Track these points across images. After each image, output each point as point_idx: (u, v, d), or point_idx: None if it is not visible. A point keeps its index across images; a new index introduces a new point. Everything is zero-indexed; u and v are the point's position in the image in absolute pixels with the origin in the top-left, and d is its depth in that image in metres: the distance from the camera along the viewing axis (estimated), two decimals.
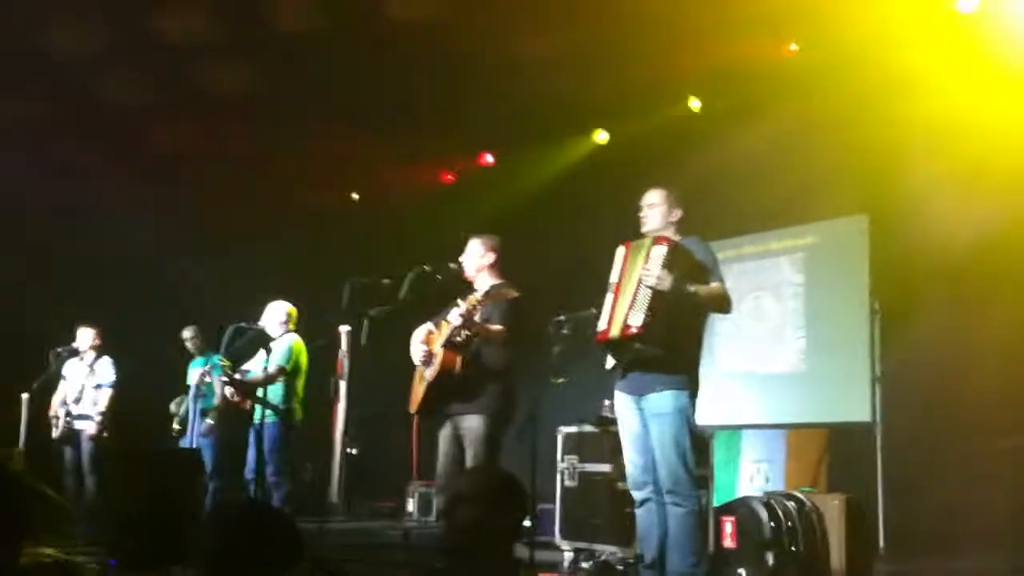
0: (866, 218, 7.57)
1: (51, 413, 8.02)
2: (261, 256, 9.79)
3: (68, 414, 7.85)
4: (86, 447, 7.82)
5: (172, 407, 8.06)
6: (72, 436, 7.87)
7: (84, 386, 7.95)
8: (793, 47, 7.62)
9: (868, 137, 7.22)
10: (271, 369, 6.79)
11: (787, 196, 7.72)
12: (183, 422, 7.94)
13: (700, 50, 7.34)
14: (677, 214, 4.86)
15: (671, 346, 4.53)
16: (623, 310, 4.58)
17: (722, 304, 4.71)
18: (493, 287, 5.00)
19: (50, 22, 7.53)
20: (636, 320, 4.48)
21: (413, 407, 5.31)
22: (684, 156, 7.73)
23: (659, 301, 4.46)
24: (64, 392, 8.02)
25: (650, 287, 4.46)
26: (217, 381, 7.61)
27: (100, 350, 8.14)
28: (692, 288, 4.55)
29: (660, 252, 4.55)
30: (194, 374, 7.98)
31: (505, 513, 2.75)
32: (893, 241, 7.30)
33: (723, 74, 7.81)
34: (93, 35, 7.67)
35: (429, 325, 5.40)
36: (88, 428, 7.88)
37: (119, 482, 6.27)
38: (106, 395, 7.95)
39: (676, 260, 4.55)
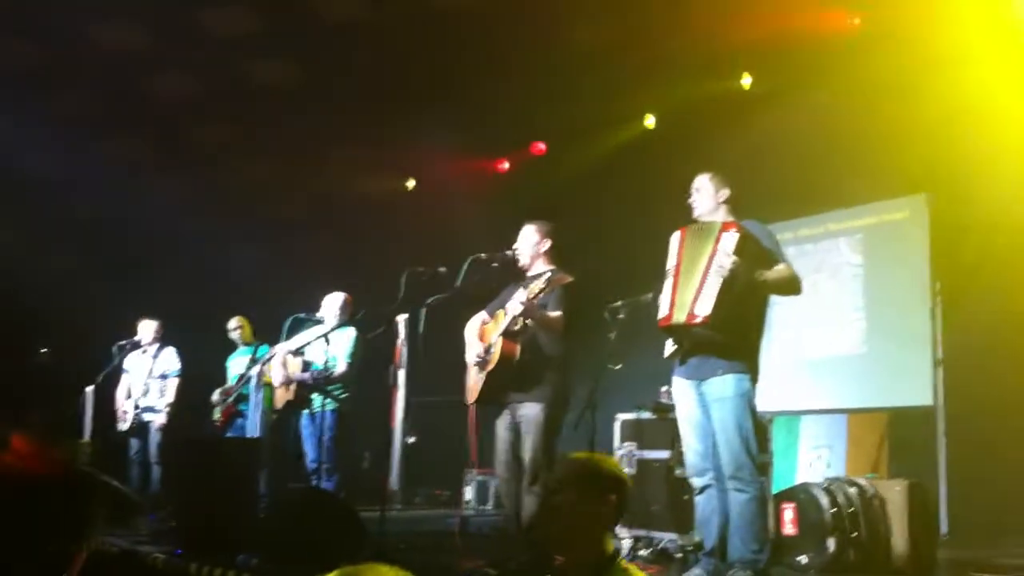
0: (925, 197, 7.44)
1: (117, 406, 8.14)
2: (317, 246, 9.87)
3: (136, 406, 7.98)
4: (154, 438, 7.94)
5: (213, 397, 8.15)
6: (140, 428, 7.99)
7: (150, 378, 8.07)
8: (856, 21, 7.42)
9: (928, 114, 7.06)
10: (341, 367, 6.89)
11: (845, 176, 7.61)
12: (228, 411, 8.05)
13: (755, 24, 7.21)
14: (724, 194, 4.82)
15: (734, 332, 4.49)
16: (687, 296, 4.54)
17: (792, 286, 4.66)
18: (552, 274, 4.97)
19: (103, 18, 7.65)
20: (703, 308, 4.44)
21: (471, 398, 5.32)
22: (738, 138, 7.64)
23: (728, 289, 4.41)
24: (128, 385, 8.14)
25: (723, 277, 4.41)
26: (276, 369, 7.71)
27: (162, 341, 8.26)
28: (762, 275, 4.51)
29: (731, 240, 4.49)
30: (237, 364, 8.07)
31: (611, 498, 2.71)
32: (954, 220, 7.17)
33: (777, 51, 7.67)
34: (144, 29, 7.78)
35: (483, 315, 5.41)
36: (156, 419, 8.00)
37: (184, 472, 6.38)
38: (173, 385, 8.08)
39: (746, 247, 4.50)
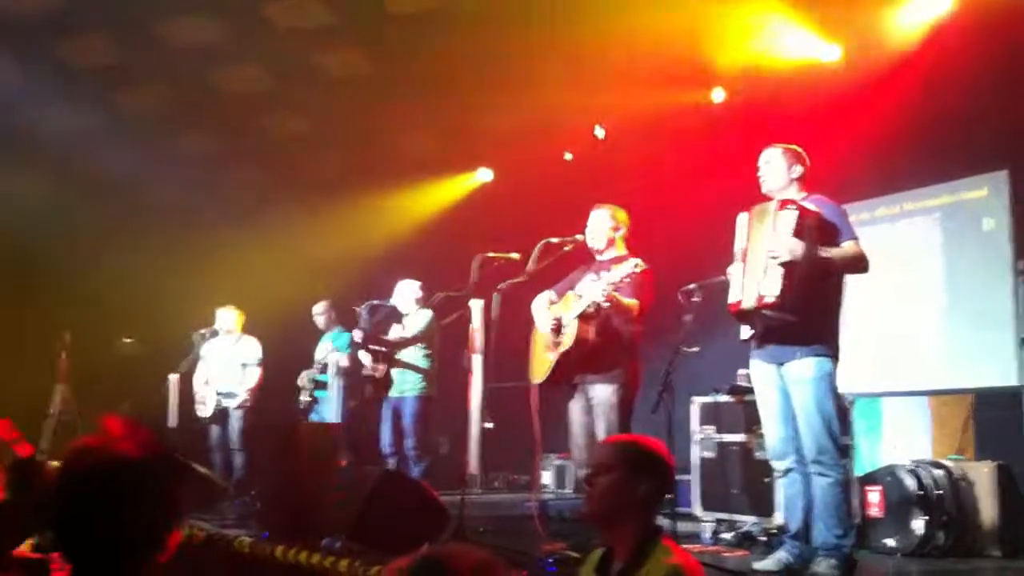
0: (1006, 173, 7.24)
1: (196, 393, 8.32)
2: (389, 234, 9.96)
3: (217, 392, 8.15)
4: (236, 424, 8.08)
5: (300, 381, 8.28)
6: (220, 414, 8.14)
7: (230, 365, 8.24)
8: None
9: (1006, 87, 6.85)
10: (408, 335, 6.97)
11: (922, 155, 7.44)
12: (312, 394, 8.19)
13: None
14: (798, 170, 4.71)
15: (809, 313, 4.41)
16: (755, 280, 4.49)
17: (858, 264, 4.54)
18: (635, 264, 4.91)
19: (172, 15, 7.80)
20: (770, 291, 4.37)
21: (538, 378, 5.33)
22: (812, 116, 7.50)
23: (792, 270, 4.34)
24: (207, 372, 8.32)
25: (782, 257, 4.34)
26: (344, 357, 7.82)
27: (242, 329, 8.42)
28: (825, 253, 4.42)
29: (788, 219, 4.41)
30: (323, 349, 8.19)
31: (649, 481, 2.74)
32: None
33: (860, 22, 7.49)
34: (211, 24, 7.91)
35: (551, 294, 5.41)
36: (237, 405, 8.14)
37: (267, 456, 6.50)
38: (254, 373, 8.21)
39: (805, 224, 4.41)
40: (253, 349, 8.28)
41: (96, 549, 1.77)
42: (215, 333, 8.40)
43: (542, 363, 5.31)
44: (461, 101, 8.63)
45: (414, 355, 7.14)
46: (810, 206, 4.53)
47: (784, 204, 4.49)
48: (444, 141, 9.57)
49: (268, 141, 9.70)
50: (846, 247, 4.52)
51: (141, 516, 1.80)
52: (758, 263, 4.50)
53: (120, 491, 1.78)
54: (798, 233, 4.37)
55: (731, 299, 4.65)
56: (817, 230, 4.45)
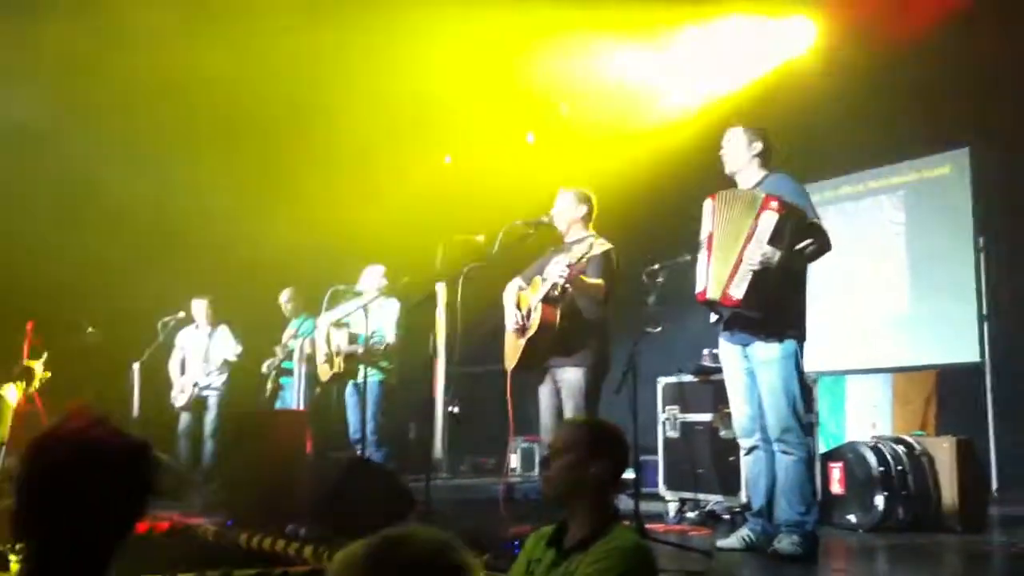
0: (967, 151, 7.31)
1: (174, 382, 8.30)
2: (353, 218, 9.90)
3: (195, 384, 8.12)
4: (211, 413, 8.10)
5: (264, 369, 8.24)
6: (197, 403, 8.15)
7: (207, 355, 8.20)
8: None
9: (968, 66, 6.89)
10: (390, 338, 6.95)
11: (885, 133, 7.49)
12: (277, 381, 8.17)
13: None
14: (757, 147, 4.69)
15: (774, 307, 4.42)
16: (722, 274, 4.45)
17: (823, 251, 4.51)
18: (593, 241, 4.91)
19: None
20: (738, 292, 4.37)
21: (510, 364, 5.32)
22: (776, 97, 7.53)
23: (763, 274, 4.33)
24: (181, 360, 8.28)
25: (758, 266, 4.31)
26: (308, 343, 7.78)
27: (215, 319, 8.37)
28: (798, 251, 4.42)
29: (770, 222, 4.34)
30: (288, 335, 8.16)
31: (602, 462, 2.77)
32: (997, 174, 7.03)
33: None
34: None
35: (519, 281, 5.39)
36: (214, 396, 8.15)
37: (234, 445, 6.47)
38: (230, 363, 8.21)
39: (786, 224, 4.35)
40: (232, 342, 8.27)
41: (58, 537, 1.75)
42: (182, 321, 8.36)
43: (513, 349, 5.31)
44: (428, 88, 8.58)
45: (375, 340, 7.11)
46: (788, 202, 4.46)
47: (766, 204, 4.40)
48: (406, 125, 9.51)
49: (231, 128, 9.58)
50: (815, 237, 4.49)
51: (106, 503, 1.78)
52: (728, 257, 4.46)
53: (86, 477, 1.76)
54: (775, 239, 4.33)
55: (697, 288, 4.64)
56: (795, 230, 4.38)
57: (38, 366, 7.86)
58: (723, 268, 4.47)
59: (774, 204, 4.38)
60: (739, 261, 4.39)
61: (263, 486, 5.66)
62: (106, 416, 1.84)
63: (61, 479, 1.75)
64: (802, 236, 4.41)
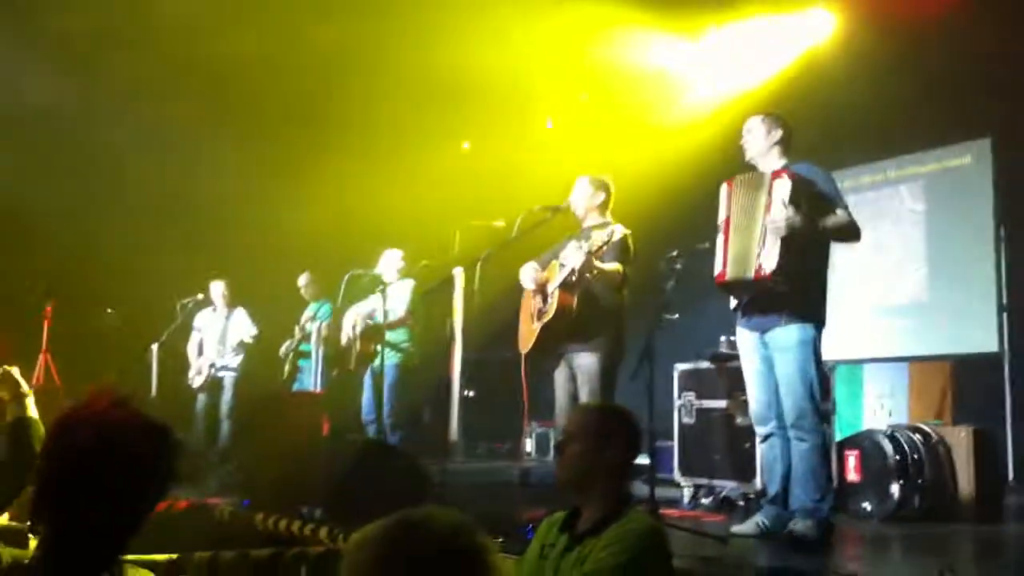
0: (989, 142, 7.26)
1: (191, 363, 8.37)
2: (372, 203, 9.92)
3: (212, 365, 8.18)
4: (227, 394, 8.16)
5: (282, 351, 8.29)
6: (213, 384, 8.22)
7: (224, 337, 8.25)
8: None
9: (992, 56, 6.84)
10: (399, 314, 6.97)
11: (906, 123, 7.44)
12: (295, 363, 8.22)
13: None
14: (777, 134, 4.71)
15: (798, 282, 4.43)
16: (748, 251, 4.48)
17: (851, 233, 4.56)
18: (612, 228, 4.91)
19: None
20: (769, 264, 4.38)
21: (525, 347, 5.34)
22: (797, 87, 7.49)
23: (790, 241, 4.34)
24: (198, 342, 8.35)
25: (782, 230, 4.33)
26: (325, 326, 7.83)
27: (233, 301, 8.42)
28: (820, 222, 4.43)
29: (784, 188, 4.41)
30: (306, 318, 8.20)
31: (615, 447, 2.78)
32: (1019, 164, 6.98)
33: None
34: None
35: (534, 265, 5.40)
36: (230, 377, 8.22)
37: (251, 426, 6.52)
38: (246, 345, 8.27)
39: (800, 193, 4.41)
40: (248, 324, 8.31)
41: (77, 518, 1.76)
42: (200, 303, 8.42)
43: (528, 333, 5.32)
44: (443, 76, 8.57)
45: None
46: (804, 175, 4.53)
47: (777, 174, 4.48)
48: (426, 110, 9.51)
49: (250, 116, 9.61)
50: (840, 216, 4.52)
51: (127, 486, 1.79)
52: (750, 234, 4.49)
53: (107, 459, 1.77)
54: (794, 202, 4.36)
55: (716, 270, 4.67)
56: (810, 199, 4.45)
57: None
58: (744, 245, 4.50)
59: (784, 174, 4.44)
60: (763, 231, 4.41)
61: (279, 467, 5.69)
62: (128, 397, 1.86)
63: (82, 461, 1.77)
64: (818, 206, 4.44)
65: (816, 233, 4.44)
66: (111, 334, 8.85)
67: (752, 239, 4.47)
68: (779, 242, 4.35)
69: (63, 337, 8.95)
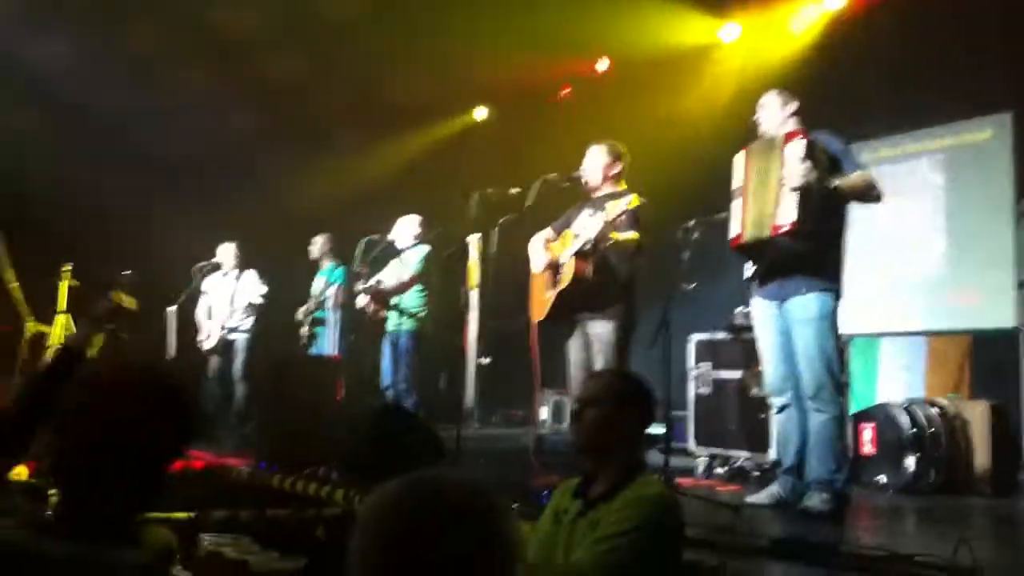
0: (1010, 116, 7.17)
1: (201, 326, 8.39)
2: (388, 171, 9.92)
3: (222, 327, 8.21)
4: (240, 357, 8.18)
5: (298, 316, 8.30)
6: (225, 347, 8.23)
7: (233, 299, 8.26)
8: None
9: (1013, 29, 6.74)
10: (405, 278, 6.98)
11: (925, 96, 7.35)
12: (312, 329, 8.23)
13: None
14: (792, 106, 4.71)
15: (816, 244, 4.41)
16: (764, 211, 4.45)
17: (869, 191, 4.50)
18: (629, 197, 4.88)
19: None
20: (787, 217, 4.34)
21: (538, 315, 5.33)
22: (814, 58, 7.42)
23: (806, 196, 4.31)
24: (208, 305, 8.36)
25: (799, 183, 4.30)
26: (339, 291, 7.82)
27: (242, 264, 8.43)
28: (835, 181, 4.40)
29: (796, 148, 4.38)
30: (319, 283, 8.20)
31: (630, 414, 2.78)
32: None
33: None
34: None
35: (548, 232, 5.39)
36: (242, 339, 8.23)
37: (268, 389, 6.55)
38: (257, 306, 8.27)
39: (815, 151, 4.38)
40: (257, 286, 8.30)
41: (96, 475, 1.77)
42: (215, 267, 8.43)
43: (541, 301, 5.31)
44: (459, 41, 8.52)
45: (410, 291, 7.15)
46: (817, 137, 4.51)
47: (790, 136, 4.47)
48: (442, 79, 9.46)
49: (266, 82, 9.59)
50: (853, 177, 4.48)
51: (147, 442, 1.80)
52: (766, 195, 4.46)
53: (127, 416, 1.78)
54: (809, 158, 4.33)
55: (731, 234, 4.65)
56: (826, 159, 4.44)
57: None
58: (761, 206, 4.49)
59: (799, 134, 4.44)
60: (779, 189, 4.38)
61: (296, 430, 5.73)
62: (148, 358, 1.86)
63: (97, 421, 1.78)
64: (834, 166, 4.43)
65: (833, 194, 4.40)
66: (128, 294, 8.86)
67: (768, 199, 4.45)
68: (795, 196, 4.31)
69: (81, 299, 8.99)
